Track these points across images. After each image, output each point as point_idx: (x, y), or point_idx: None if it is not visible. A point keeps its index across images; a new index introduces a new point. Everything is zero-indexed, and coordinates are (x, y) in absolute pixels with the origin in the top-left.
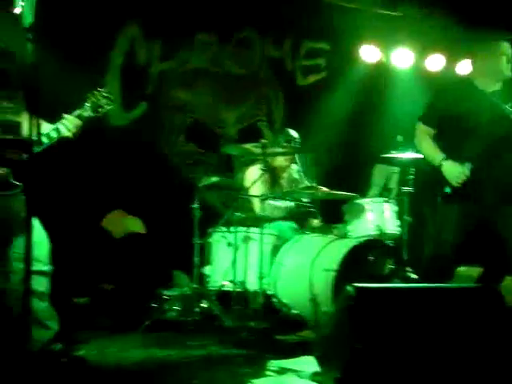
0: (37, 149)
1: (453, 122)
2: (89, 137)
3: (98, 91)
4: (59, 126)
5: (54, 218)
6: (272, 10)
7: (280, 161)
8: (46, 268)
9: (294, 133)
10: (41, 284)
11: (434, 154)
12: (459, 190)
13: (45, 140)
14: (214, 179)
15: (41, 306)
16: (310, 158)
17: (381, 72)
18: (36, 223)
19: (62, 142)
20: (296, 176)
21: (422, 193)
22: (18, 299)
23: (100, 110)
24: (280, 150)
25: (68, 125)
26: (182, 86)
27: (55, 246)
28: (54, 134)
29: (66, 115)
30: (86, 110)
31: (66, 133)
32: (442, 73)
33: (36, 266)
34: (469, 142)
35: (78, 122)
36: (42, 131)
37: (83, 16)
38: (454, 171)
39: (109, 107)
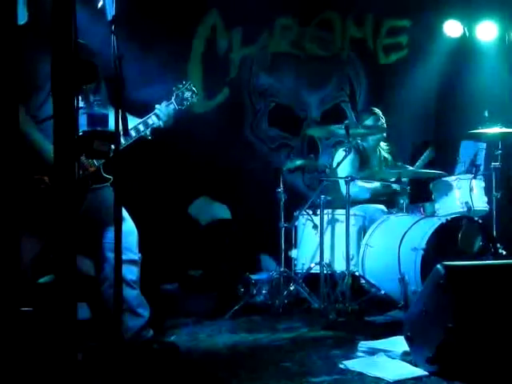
0: (124, 142)
1: None
2: (173, 124)
3: (183, 84)
4: (148, 119)
5: (143, 207)
6: None
7: (369, 141)
8: (135, 257)
9: (379, 111)
10: (131, 272)
11: None
12: None
13: (133, 133)
14: (299, 162)
15: (132, 294)
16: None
17: (464, 46)
18: (125, 213)
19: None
20: (386, 155)
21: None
22: (111, 287)
23: (185, 102)
24: (363, 130)
25: (160, 114)
26: (264, 70)
27: (144, 234)
28: (141, 127)
29: (157, 106)
30: (173, 103)
31: (156, 123)
32: None
33: (126, 255)
34: None
35: (170, 111)
36: (128, 124)
37: (164, 6)
38: None
39: (194, 100)
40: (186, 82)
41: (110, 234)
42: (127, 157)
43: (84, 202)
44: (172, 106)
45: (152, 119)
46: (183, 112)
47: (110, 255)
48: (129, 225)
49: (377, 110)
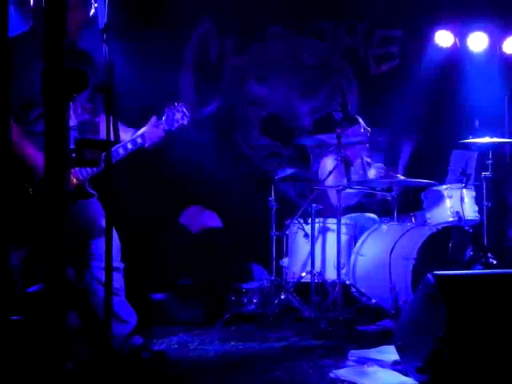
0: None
1: None
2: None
3: (175, 106)
4: (137, 138)
5: (134, 216)
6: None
7: (351, 148)
8: (117, 264)
9: (361, 120)
10: (115, 280)
11: None
12: None
13: (121, 151)
14: (290, 171)
15: (115, 300)
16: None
17: (455, 57)
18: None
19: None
20: (368, 165)
21: (502, 177)
22: (92, 295)
23: (175, 124)
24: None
25: (147, 136)
26: (256, 79)
27: (135, 243)
28: (130, 146)
29: (146, 127)
30: (163, 123)
31: (144, 143)
32: None
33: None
34: None
35: (160, 132)
36: (120, 136)
37: (156, 14)
38: None
39: (184, 122)
40: (179, 104)
41: (93, 246)
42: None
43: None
44: (162, 127)
45: (141, 138)
46: (173, 133)
47: (93, 263)
48: (116, 237)
49: (359, 118)
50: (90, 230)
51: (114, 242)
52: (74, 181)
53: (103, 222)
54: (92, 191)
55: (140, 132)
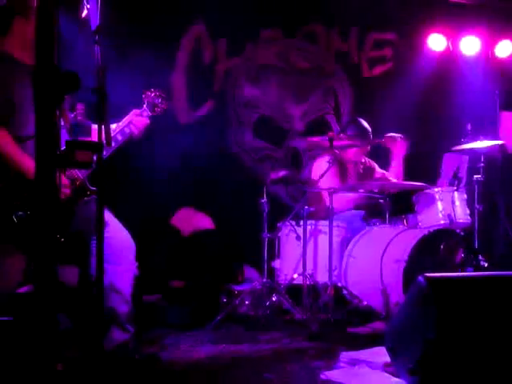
0: (105, 152)
1: None
2: (157, 135)
3: (151, 91)
4: (124, 128)
5: (125, 218)
6: (337, 3)
7: (350, 154)
8: (135, 271)
9: (365, 124)
10: (132, 286)
11: None
12: None
13: (112, 144)
14: (282, 173)
15: (125, 310)
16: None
17: (448, 60)
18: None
19: (129, 141)
20: (367, 170)
21: (494, 180)
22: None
23: (157, 109)
24: (347, 142)
25: (135, 123)
26: (248, 82)
27: None
28: (120, 137)
29: (130, 115)
30: (146, 110)
31: (133, 132)
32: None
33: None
34: None
35: (145, 120)
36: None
37: (148, 17)
38: None
39: (164, 105)
40: (154, 89)
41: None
42: (110, 167)
43: (73, 216)
44: (145, 113)
45: (129, 128)
46: (159, 119)
47: (107, 266)
48: (127, 237)
49: (363, 122)
50: (92, 227)
51: (130, 246)
52: (77, 182)
53: (105, 216)
54: (93, 188)
55: (125, 122)
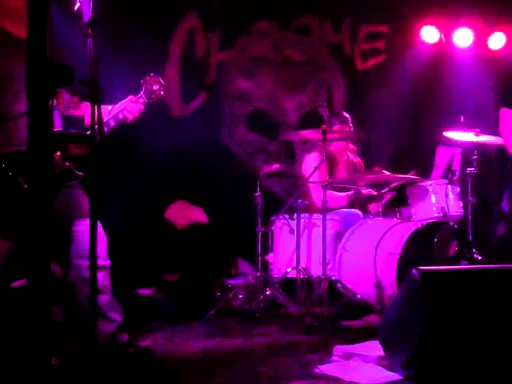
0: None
1: None
2: (150, 127)
3: (150, 77)
4: (118, 113)
5: (119, 211)
6: None
7: (335, 145)
8: (104, 262)
9: (346, 114)
10: (102, 278)
11: None
12: None
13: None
14: (275, 167)
15: (102, 298)
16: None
17: (441, 52)
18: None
19: (123, 126)
20: (354, 159)
21: (488, 173)
22: (79, 292)
23: (154, 96)
24: (339, 134)
25: (129, 110)
26: (241, 74)
27: (120, 238)
28: (113, 123)
29: (126, 101)
30: (142, 96)
31: (127, 118)
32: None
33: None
34: None
35: (139, 106)
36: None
37: (141, 9)
38: None
39: (161, 92)
40: (154, 75)
41: (76, 239)
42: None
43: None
44: (141, 100)
45: (122, 113)
46: (152, 111)
47: (76, 261)
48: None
49: (344, 113)
50: (73, 213)
51: (100, 239)
52: (64, 165)
53: (87, 206)
54: (78, 173)
55: (119, 108)
